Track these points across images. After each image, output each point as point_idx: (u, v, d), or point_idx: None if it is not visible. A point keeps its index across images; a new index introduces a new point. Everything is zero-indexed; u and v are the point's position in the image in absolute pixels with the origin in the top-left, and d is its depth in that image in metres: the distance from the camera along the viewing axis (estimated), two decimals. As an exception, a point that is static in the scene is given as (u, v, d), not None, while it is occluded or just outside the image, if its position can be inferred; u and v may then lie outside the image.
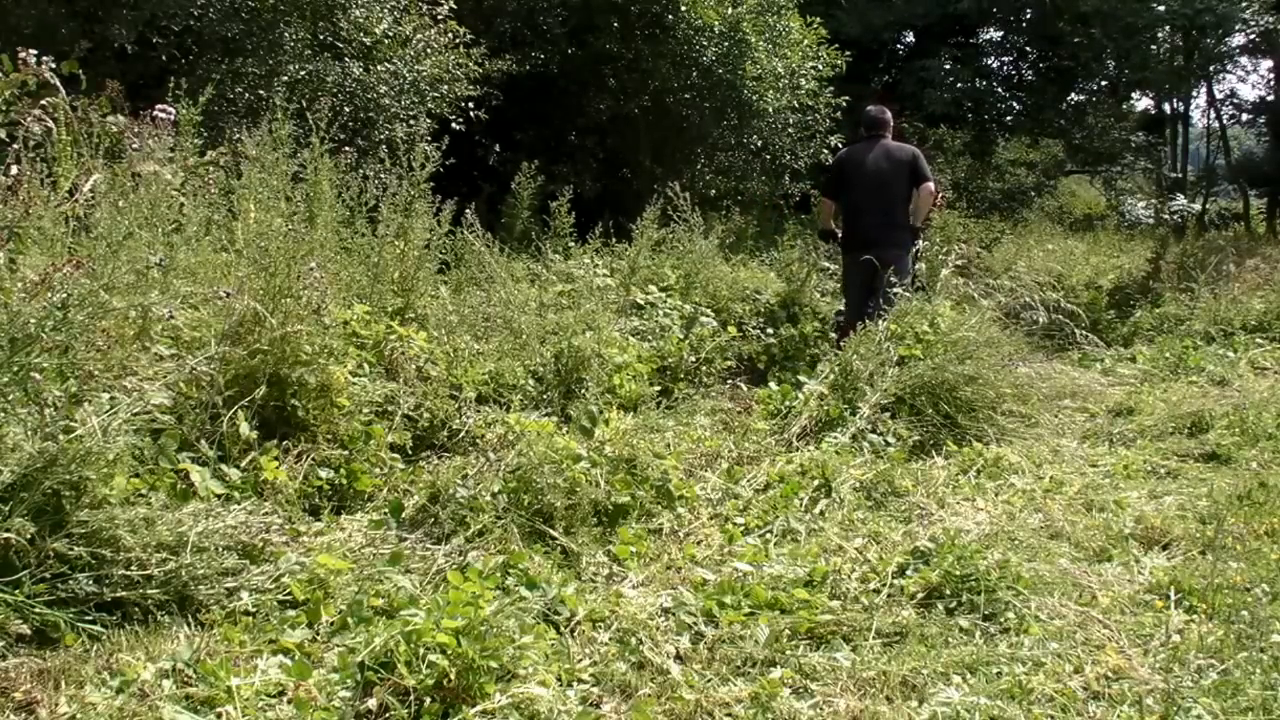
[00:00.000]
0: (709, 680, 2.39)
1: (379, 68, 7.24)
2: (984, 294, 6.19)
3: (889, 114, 6.49)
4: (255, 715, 2.08)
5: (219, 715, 2.07)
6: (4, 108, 4.04)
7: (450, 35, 7.91)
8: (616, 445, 3.69)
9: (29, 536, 2.30)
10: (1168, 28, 17.77)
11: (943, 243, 7.66)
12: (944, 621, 2.68)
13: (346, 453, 3.47)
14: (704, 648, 2.55)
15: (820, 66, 11.02)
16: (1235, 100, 22.46)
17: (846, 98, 11.23)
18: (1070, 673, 2.43)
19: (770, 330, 6.47)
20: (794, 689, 2.35)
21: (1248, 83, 26.50)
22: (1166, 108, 21.36)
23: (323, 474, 3.33)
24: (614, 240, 6.77)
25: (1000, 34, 19.22)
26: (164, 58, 6.37)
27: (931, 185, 6.17)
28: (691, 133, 10.54)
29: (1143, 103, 21.93)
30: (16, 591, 2.27)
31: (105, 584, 2.40)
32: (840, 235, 6.51)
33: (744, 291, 6.79)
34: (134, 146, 4.13)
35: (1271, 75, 20.52)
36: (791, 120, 10.82)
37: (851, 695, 2.32)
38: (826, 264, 7.62)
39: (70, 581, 2.35)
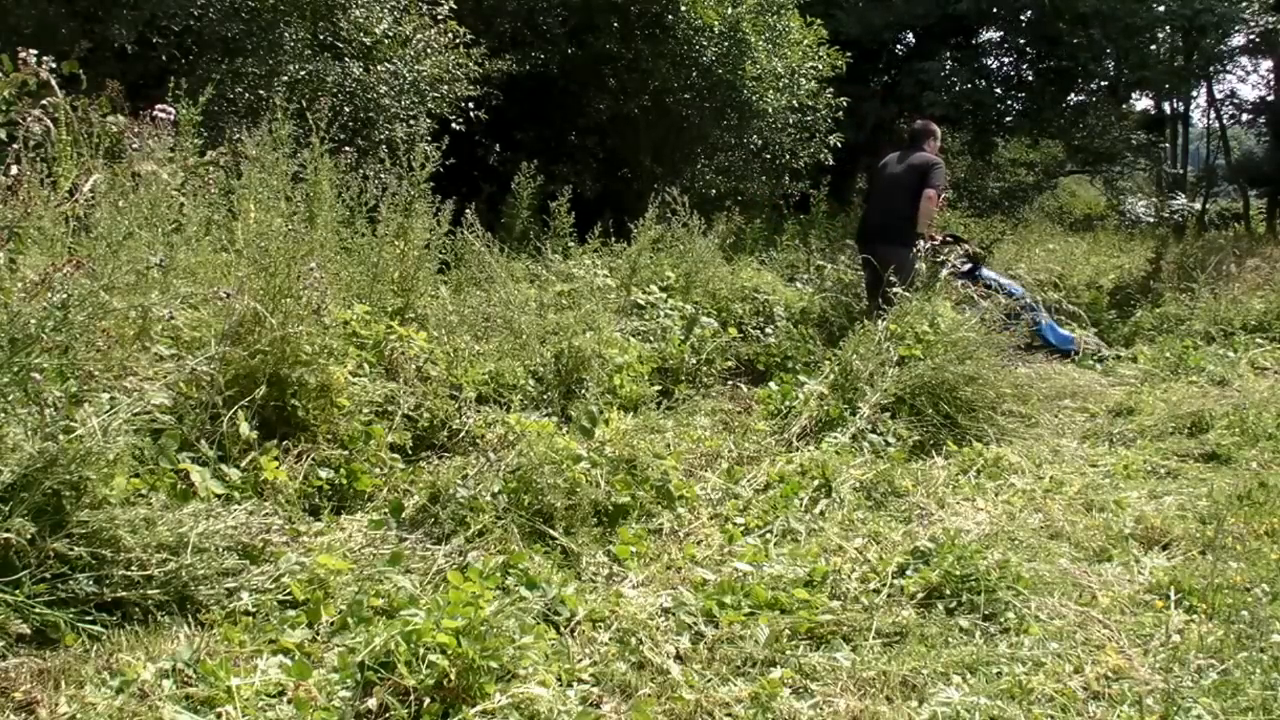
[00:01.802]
0: (709, 680, 2.39)
1: (379, 68, 7.23)
2: (984, 295, 6.19)
3: (933, 126, 6.76)
4: (255, 715, 2.08)
5: (219, 715, 2.07)
6: (4, 108, 4.04)
7: (450, 35, 7.90)
8: (616, 445, 3.69)
9: (29, 536, 2.30)
10: (1168, 28, 17.76)
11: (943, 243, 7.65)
12: (944, 621, 2.68)
13: (346, 453, 3.47)
14: (704, 648, 2.55)
15: (820, 66, 11.02)
16: (1235, 100, 22.52)
17: (846, 98, 11.23)
18: (1070, 673, 2.43)
19: (770, 329, 6.47)
20: (794, 689, 2.35)
21: (1248, 83, 26.55)
22: (1166, 108, 21.38)
23: (323, 474, 3.33)
24: (614, 240, 6.77)
25: (1000, 35, 19.20)
26: (164, 58, 6.36)
27: (931, 191, 6.22)
28: (691, 133, 10.53)
29: (1143, 103, 21.96)
30: (16, 591, 2.27)
31: (105, 584, 2.40)
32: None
33: (744, 291, 6.79)
34: (134, 146, 4.13)
35: (1271, 75, 20.54)
36: (791, 120, 10.82)
37: (851, 695, 2.32)
38: (823, 263, 7.64)
39: (70, 581, 2.35)
